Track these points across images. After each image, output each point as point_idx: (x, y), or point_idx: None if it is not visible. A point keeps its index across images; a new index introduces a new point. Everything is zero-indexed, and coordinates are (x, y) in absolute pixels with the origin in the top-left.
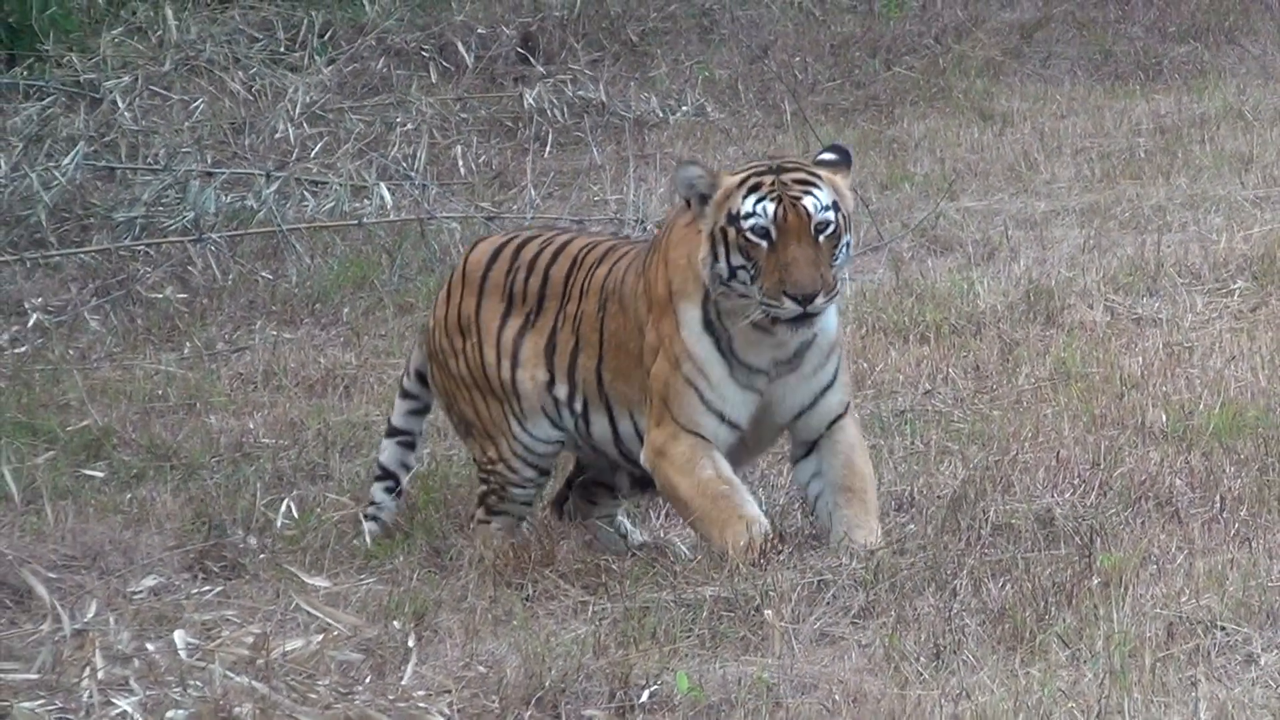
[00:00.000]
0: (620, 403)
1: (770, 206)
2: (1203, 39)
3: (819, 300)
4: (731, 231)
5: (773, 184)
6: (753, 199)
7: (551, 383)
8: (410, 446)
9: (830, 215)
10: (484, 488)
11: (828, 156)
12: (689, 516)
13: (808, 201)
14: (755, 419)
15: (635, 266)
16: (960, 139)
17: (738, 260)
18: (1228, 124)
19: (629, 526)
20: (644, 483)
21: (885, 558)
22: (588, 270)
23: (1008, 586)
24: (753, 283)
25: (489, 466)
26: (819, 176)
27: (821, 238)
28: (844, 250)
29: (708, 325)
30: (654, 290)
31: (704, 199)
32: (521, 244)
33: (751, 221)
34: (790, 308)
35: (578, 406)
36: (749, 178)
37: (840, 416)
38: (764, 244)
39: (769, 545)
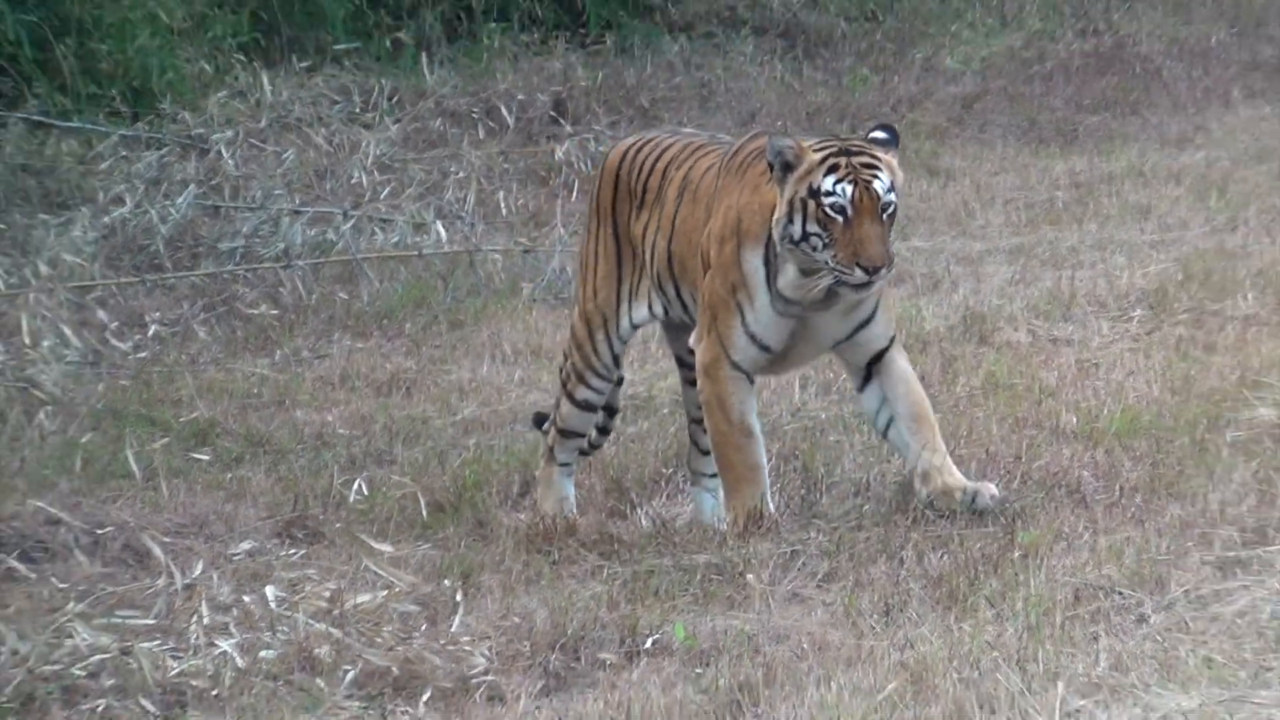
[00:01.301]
0: (683, 279)
1: (849, 189)
2: (1111, 110)
3: (883, 270)
4: (811, 204)
5: (847, 166)
6: (832, 178)
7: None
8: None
9: (892, 197)
10: (561, 395)
11: (879, 135)
12: (714, 443)
13: (877, 185)
14: (789, 343)
15: (712, 170)
16: (911, 190)
17: (813, 229)
18: (1130, 180)
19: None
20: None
21: (845, 533)
22: (675, 169)
23: (945, 557)
24: (824, 249)
25: (581, 344)
26: (880, 160)
27: (885, 215)
28: (894, 224)
29: (766, 262)
30: (721, 212)
31: (788, 168)
32: (640, 148)
33: (831, 200)
34: (860, 276)
35: (654, 277)
36: (828, 158)
37: (887, 349)
38: (840, 220)
39: (754, 523)
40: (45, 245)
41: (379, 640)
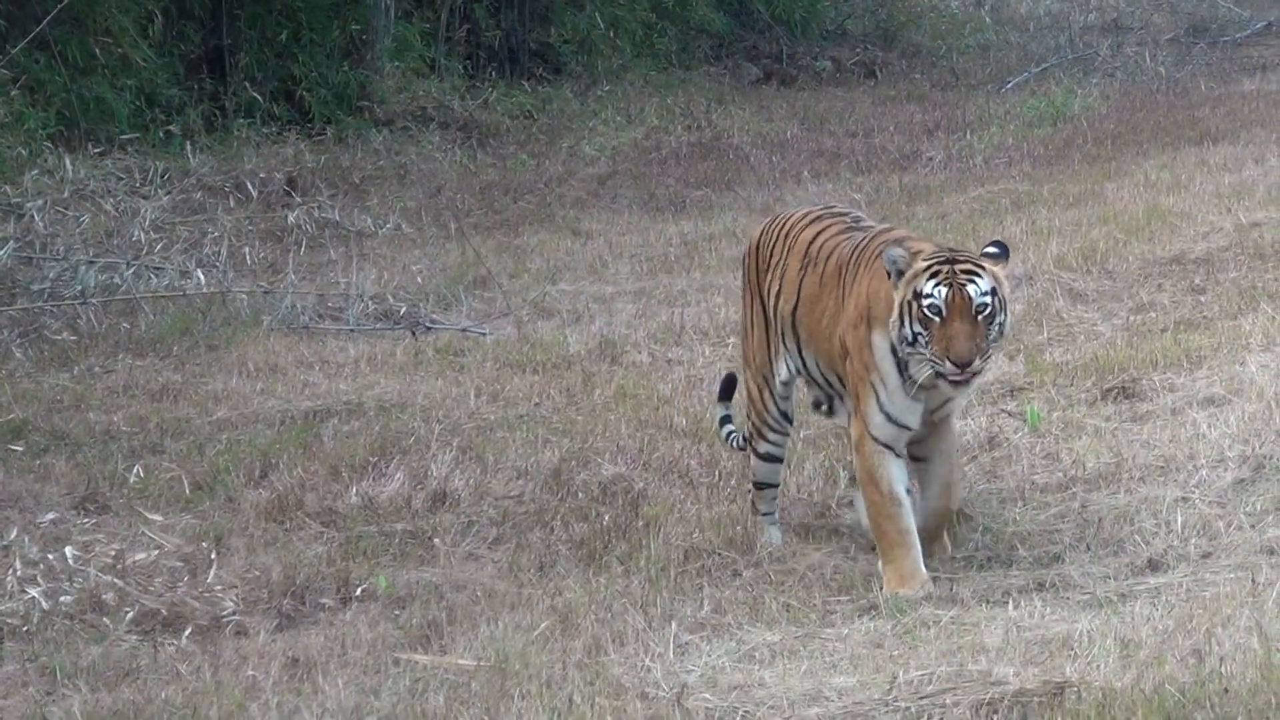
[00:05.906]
0: (805, 338)
1: (943, 290)
2: (711, 186)
3: (974, 364)
4: (915, 305)
5: (948, 272)
6: (932, 283)
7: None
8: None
9: (988, 299)
10: (750, 453)
11: (991, 250)
12: (868, 511)
13: (971, 288)
14: (923, 419)
15: (839, 253)
16: (559, 247)
17: (917, 328)
18: (726, 240)
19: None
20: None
21: (510, 507)
22: (797, 235)
23: (586, 526)
24: (925, 346)
25: (754, 403)
26: (983, 267)
27: (979, 317)
28: (997, 326)
29: (893, 349)
30: (853, 299)
31: (900, 274)
32: (772, 223)
33: (929, 301)
34: (950, 369)
35: (780, 336)
36: (932, 265)
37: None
38: (936, 319)
39: (910, 584)
40: None
41: (152, 589)
